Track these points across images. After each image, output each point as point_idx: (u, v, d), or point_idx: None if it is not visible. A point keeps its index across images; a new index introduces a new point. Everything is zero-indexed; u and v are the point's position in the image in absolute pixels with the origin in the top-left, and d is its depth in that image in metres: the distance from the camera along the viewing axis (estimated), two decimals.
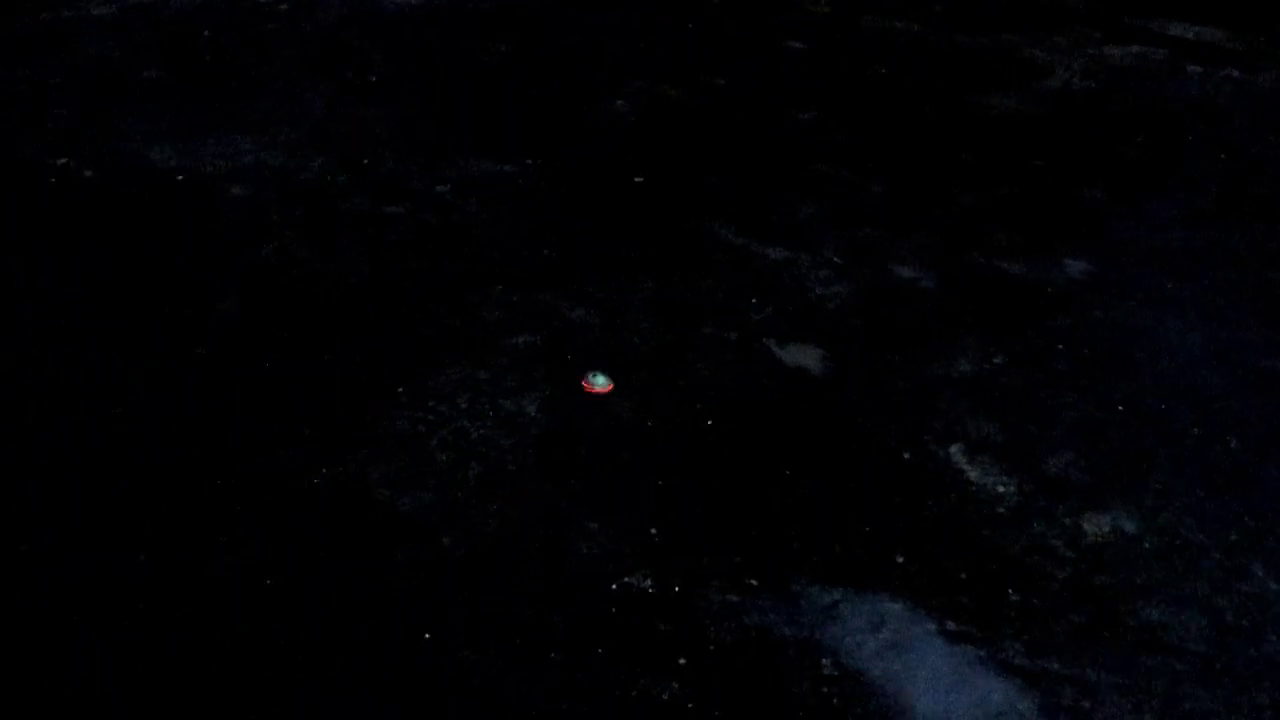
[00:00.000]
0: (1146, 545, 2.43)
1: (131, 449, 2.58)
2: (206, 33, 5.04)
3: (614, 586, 2.29)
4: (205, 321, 3.03)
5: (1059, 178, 4.13)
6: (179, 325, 3.00)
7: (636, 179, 3.98)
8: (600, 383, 2.83)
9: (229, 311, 3.08)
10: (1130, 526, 2.48)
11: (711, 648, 2.15)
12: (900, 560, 2.37)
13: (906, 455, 2.67)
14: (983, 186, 4.03)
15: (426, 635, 2.14)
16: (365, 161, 3.98)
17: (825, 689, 2.08)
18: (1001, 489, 2.57)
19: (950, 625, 2.22)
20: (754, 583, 2.29)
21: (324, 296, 3.18)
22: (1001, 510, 2.51)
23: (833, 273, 3.42)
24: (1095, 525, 2.48)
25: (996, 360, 3.03)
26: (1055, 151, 4.35)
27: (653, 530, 2.42)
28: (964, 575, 2.33)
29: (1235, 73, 5.21)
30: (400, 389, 2.79)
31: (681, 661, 2.12)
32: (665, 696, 2.05)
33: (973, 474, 2.62)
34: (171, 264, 3.32)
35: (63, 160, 3.86)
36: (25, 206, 3.63)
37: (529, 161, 4.09)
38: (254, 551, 2.31)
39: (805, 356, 3.03)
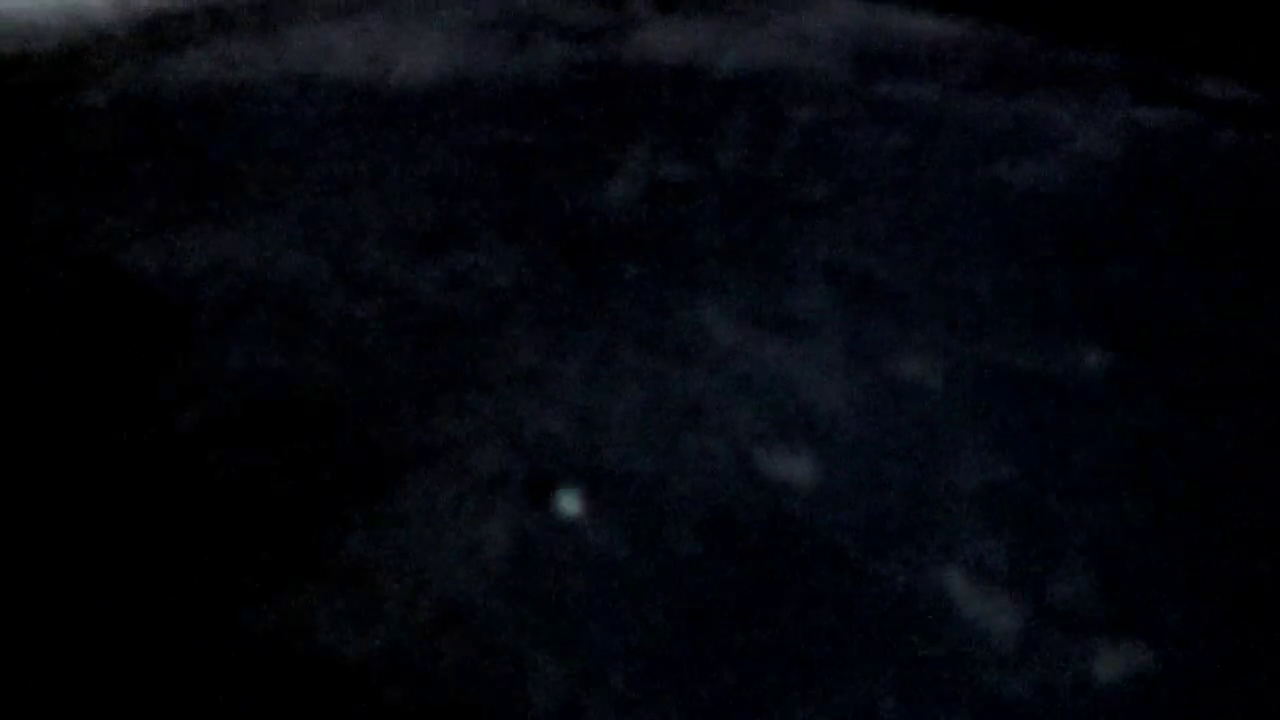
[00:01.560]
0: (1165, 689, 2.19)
1: (58, 573, 2.42)
2: (190, 123, 4.95)
3: None
4: (161, 441, 2.88)
5: (1079, 256, 3.90)
6: (132, 447, 2.85)
7: (630, 270, 3.81)
8: (570, 504, 2.64)
9: (186, 430, 2.92)
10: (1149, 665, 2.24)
11: None
12: (890, 707, 2.14)
13: (901, 579, 2.45)
14: (995, 267, 3.81)
15: None
16: (346, 257, 3.84)
17: None
18: (1006, 621, 2.34)
19: None
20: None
21: (289, 409, 3.02)
22: (1003, 646, 2.28)
23: (829, 371, 3.22)
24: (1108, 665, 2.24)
25: (1003, 470, 2.80)
26: (1075, 226, 4.12)
27: (619, 679, 2.21)
28: None
29: (1270, 136, 4.97)
30: (355, 514, 2.62)
31: None
32: None
33: (972, 605, 2.39)
34: (135, 376, 3.18)
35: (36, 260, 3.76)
36: None
37: (513, 251, 3.93)
38: (179, 708, 2.13)
39: (796, 467, 2.82)
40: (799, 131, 5.04)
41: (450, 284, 3.67)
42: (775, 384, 3.16)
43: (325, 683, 2.20)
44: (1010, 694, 2.17)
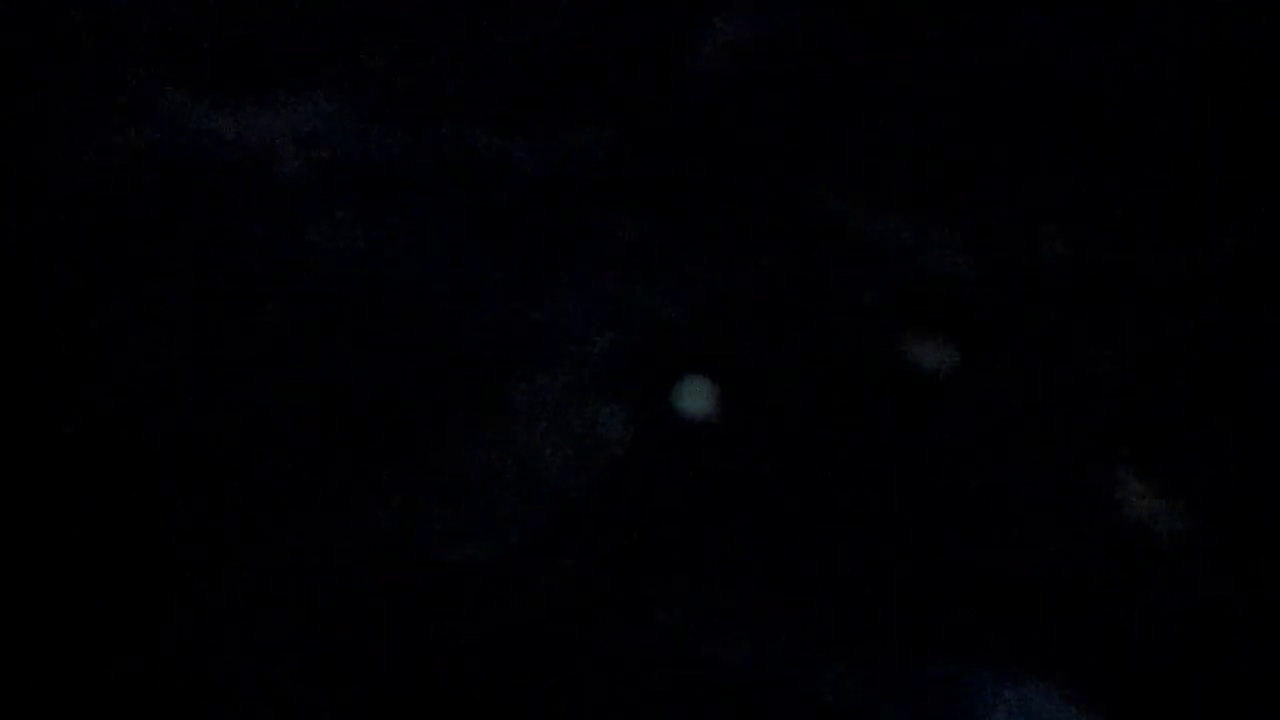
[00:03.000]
0: None
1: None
2: None
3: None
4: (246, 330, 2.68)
5: None
6: (217, 335, 2.66)
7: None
8: (696, 398, 2.41)
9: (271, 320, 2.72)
10: None
11: None
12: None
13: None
14: None
15: None
16: (429, 129, 3.58)
17: None
18: None
19: None
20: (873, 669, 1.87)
21: (378, 296, 2.80)
22: None
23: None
24: None
25: None
26: None
27: (761, 601, 2.01)
28: None
29: None
30: (460, 412, 2.41)
31: None
32: None
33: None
34: (213, 258, 2.97)
35: None
36: None
37: (608, 123, 3.65)
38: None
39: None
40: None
41: (543, 158, 3.41)
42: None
43: (441, 592, 2.02)
44: None
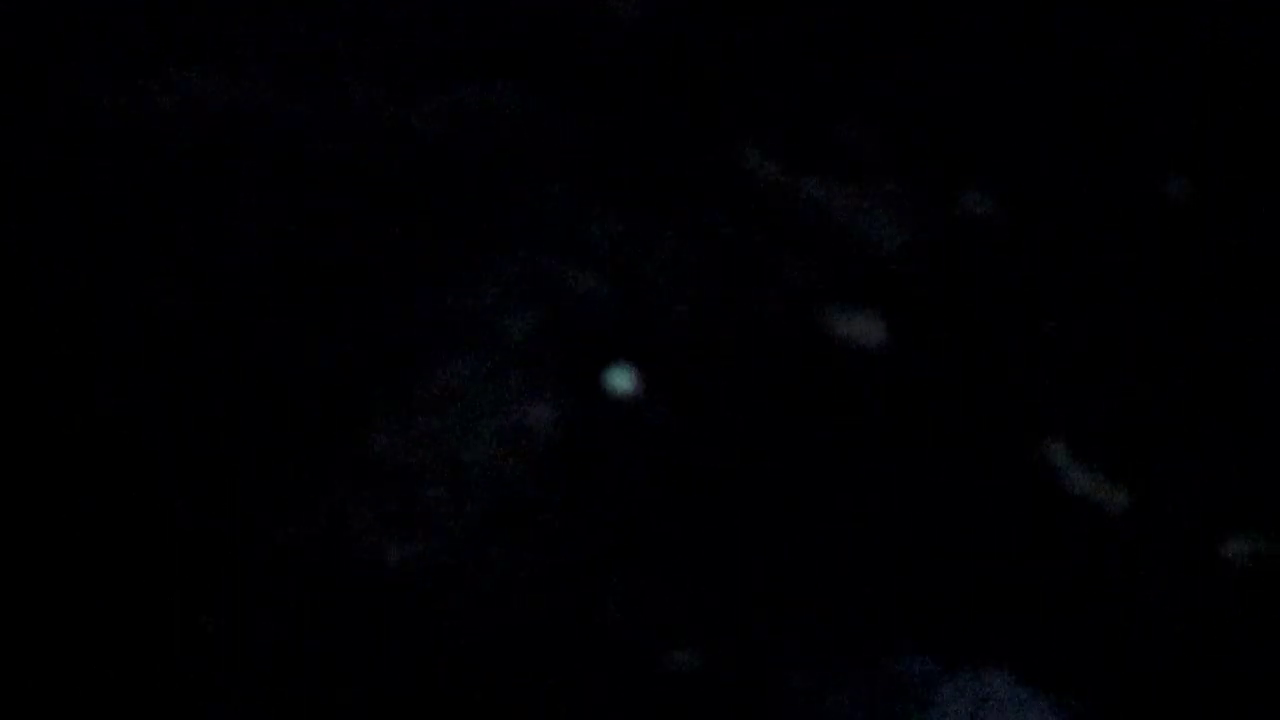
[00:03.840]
0: None
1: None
2: None
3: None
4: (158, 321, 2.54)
5: None
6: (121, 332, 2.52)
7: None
8: (622, 381, 2.35)
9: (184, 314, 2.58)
10: None
11: None
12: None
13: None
14: None
15: None
16: (335, 96, 3.43)
17: None
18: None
19: None
20: (826, 665, 1.85)
21: (291, 276, 2.68)
22: None
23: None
24: None
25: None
26: None
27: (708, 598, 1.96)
28: None
29: None
30: (380, 401, 2.32)
31: None
32: None
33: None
34: (121, 240, 2.81)
35: None
36: None
37: (520, 85, 3.53)
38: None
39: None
40: None
41: (454, 124, 3.29)
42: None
43: (377, 595, 1.95)
44: None
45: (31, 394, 2.27)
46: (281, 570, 1.90)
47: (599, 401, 2.33)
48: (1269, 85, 3.60)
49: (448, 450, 2.20)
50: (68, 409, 2.22)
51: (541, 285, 2.64)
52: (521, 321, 2.53)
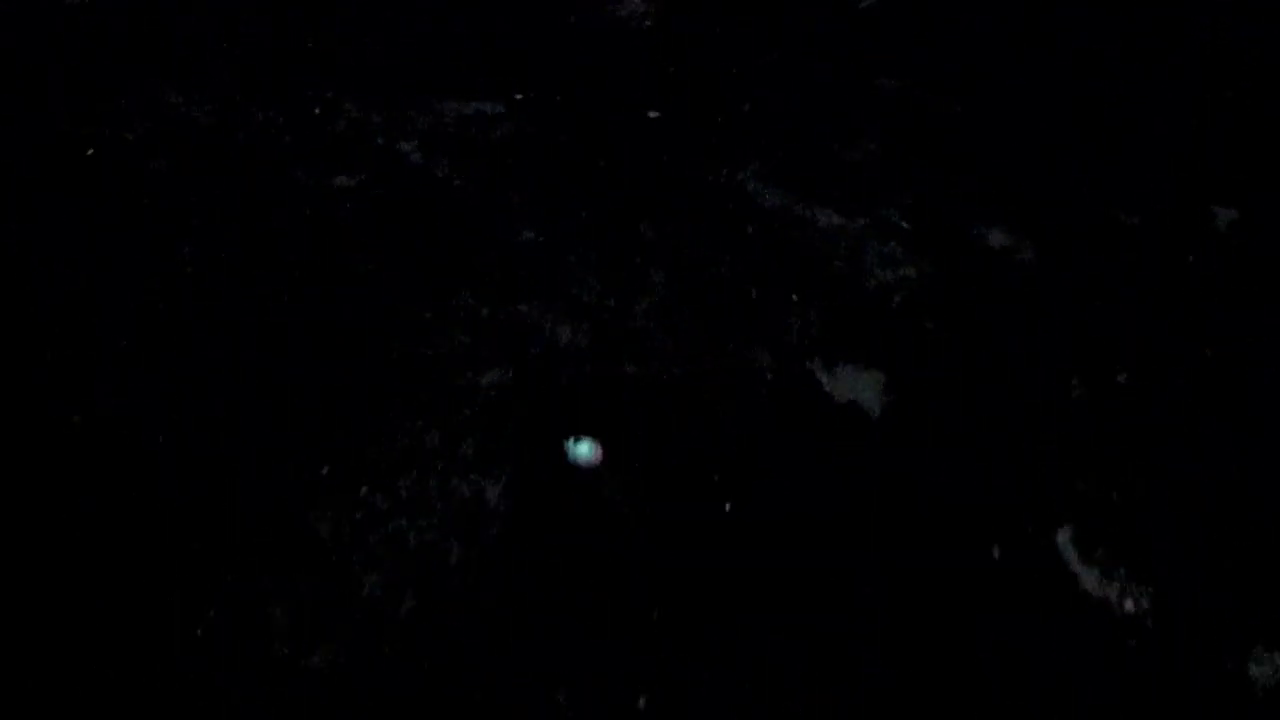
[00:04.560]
0: None
1: None
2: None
3: None
4: (89, 363, 2.37)
5: None
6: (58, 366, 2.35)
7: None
8: (584, 452, 2.14)
9: (121, 351, 2.41)
10: None
11: None
12: None
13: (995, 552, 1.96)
14: None
15: None
16: (316, 110, 3.24)
17: None
18: None
19: None
20: None
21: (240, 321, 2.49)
22: None
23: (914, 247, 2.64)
24: None
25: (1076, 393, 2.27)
26: None
27: (640, 700, 1.76)
28: None
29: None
30: (324, 469, 2.13)
31: None
32: None
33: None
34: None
35: None
36: None
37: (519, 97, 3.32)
38: None
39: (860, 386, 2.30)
40: None
41: (435, 143, 3.09)
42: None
43: (284, 700, 1.76)
44: None
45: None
46: (182, 677, 1.72)
47: (559, 477, 2.12)
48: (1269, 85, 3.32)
49: (396, 533, 2.01)
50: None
51: (513, 335, 2.44)
52: (491, 377, 2.33)
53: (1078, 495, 2.05)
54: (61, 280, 2.57)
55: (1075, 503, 2.04)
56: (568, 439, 2.15)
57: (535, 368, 2.35)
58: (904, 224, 2.76)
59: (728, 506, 2.05)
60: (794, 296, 2.53)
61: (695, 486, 2.09)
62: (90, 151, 3.05)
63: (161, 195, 2.88)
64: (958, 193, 2.92)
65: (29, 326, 2.44)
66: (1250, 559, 1.97)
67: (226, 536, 1.97)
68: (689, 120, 3.27)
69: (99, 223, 2.77)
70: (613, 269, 2.64)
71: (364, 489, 2.08)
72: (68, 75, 3.46)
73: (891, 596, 1.88)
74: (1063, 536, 1.99)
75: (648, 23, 3.95)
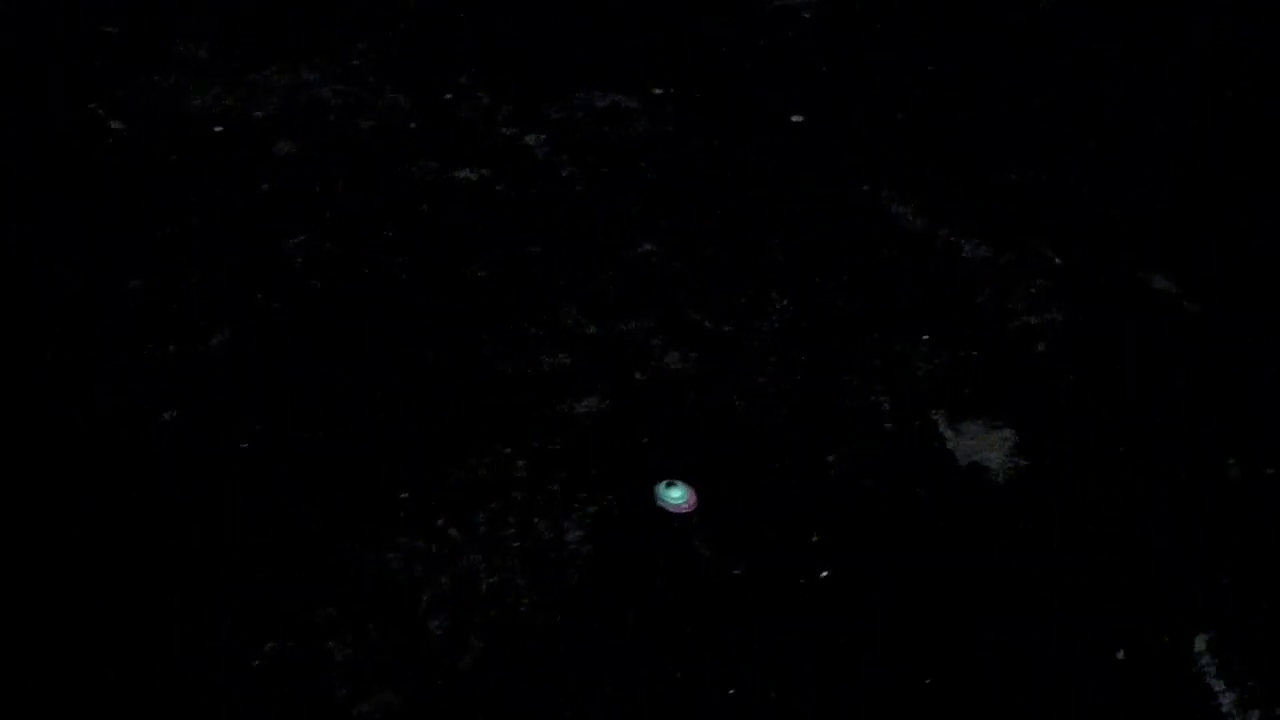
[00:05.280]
0: None
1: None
2: None
3: None
4: (188, 360, 2.32)
5: None
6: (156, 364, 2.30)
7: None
8: (676, 498, 1.99)
9: (217, 351, 2.35)
10: None
11: None
12: None
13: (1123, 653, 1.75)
14: None
15: None
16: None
17: None
18: None
19: None
20: None
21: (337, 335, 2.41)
22: None
23: None
24: None
25: None
26: None
27: None
28: None
29: None
30: (404, 493, 2.03)
31: None
32: None
33: None
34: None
35: None
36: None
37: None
38: None
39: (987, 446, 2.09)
40: None
41: (563, 138, 2.96)
42: None
43: None
44: None
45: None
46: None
47: (647, 523, 1.98)
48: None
49: (465, 574, 1.90)
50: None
51: (618, 357, 2.30)
52: (584, 402, 2.20)
53: (1221, 592, 1.82)
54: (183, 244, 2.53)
55: (1218, 603, 1.80)
56: (660, 483, 2.01)
57: (637, 397, 2.21)
58: (1057, 259, 2.52)
59: (824, 574, 1.88)
60: (925, 336, 2.33)
61: (792, 547, 1.92)
62: (219, 129, 3.02)
63: (282, 177, 2.82)
64: (1118, 229, 2.66)
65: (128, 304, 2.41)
66: None
67: (287, 565, 1.89)
68: (833, 127, 3.06)
69: (200, 202, 2.73)
70: (733, 290, 2.47)
71: (440, 520, 1.98)
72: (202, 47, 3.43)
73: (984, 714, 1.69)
74: (1200, 643, 1.76)
75: (806, 14, 3.73)
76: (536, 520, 1.97)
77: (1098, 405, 2.19)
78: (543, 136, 3.00)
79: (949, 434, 2.12)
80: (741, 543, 1.93)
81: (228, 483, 2.03)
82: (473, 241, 2.62)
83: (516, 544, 1.93)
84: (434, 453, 2.10)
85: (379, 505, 2.00)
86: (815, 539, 1.93)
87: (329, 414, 2.18)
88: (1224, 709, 1.68)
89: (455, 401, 2.21)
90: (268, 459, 2.08)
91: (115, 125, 3.03)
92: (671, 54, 3.45)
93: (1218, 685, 1.71)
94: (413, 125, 3.05)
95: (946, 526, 1.95)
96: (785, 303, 2.44)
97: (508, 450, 2.10)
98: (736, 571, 1.89)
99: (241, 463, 2.08)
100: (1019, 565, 1.89)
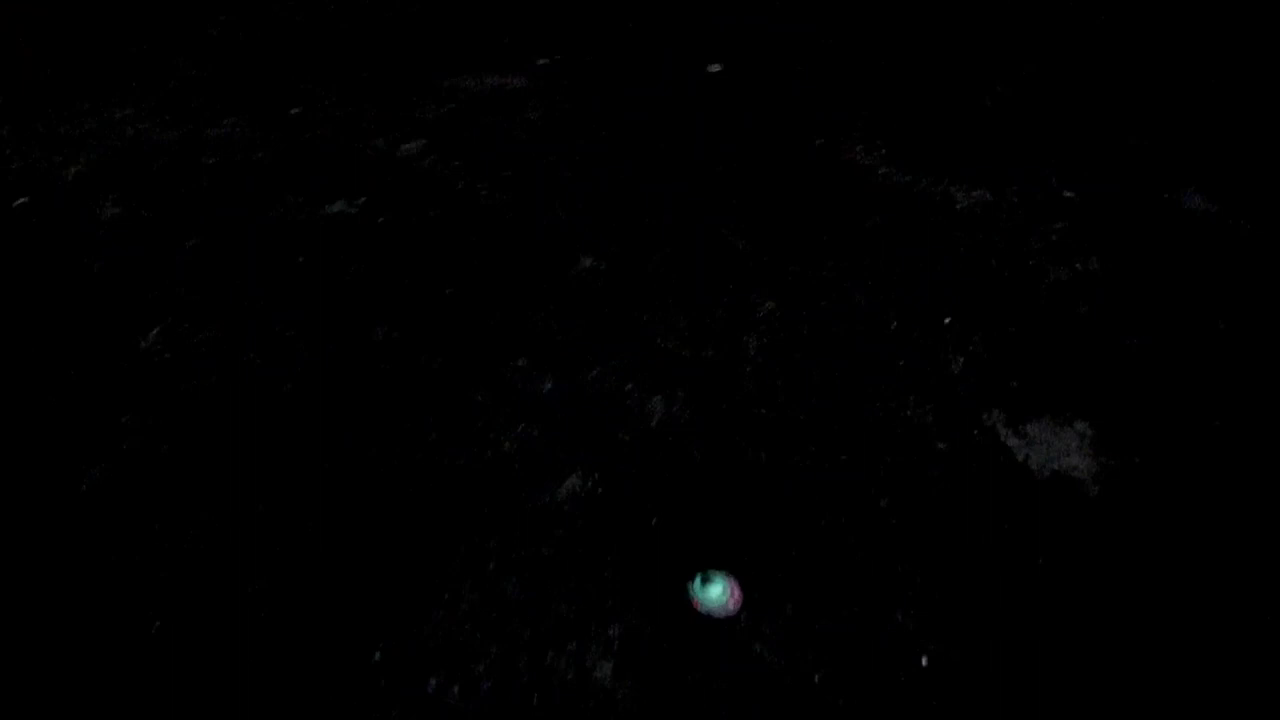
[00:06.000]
0: None
1: None
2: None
3: None
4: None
5: None
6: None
7: None
8: (716, 597, 1.57)
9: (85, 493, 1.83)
10: None
11: None
12: None
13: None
14: None
15: None
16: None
17: None
18: None
19: None
20: None
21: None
22: None
23: None
24: None
25: None
26: None
27: None
28: None
29: None
30: (375, 654, 1.57)
31: None
32: None
33: None
34: None
35: None
36: None
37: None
38: None
39: (1069, 453, 1.72)
40: None
41: (445, 138, 2.46)
42: None
43: None
44: None
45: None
46: None
47: (689, 635, 1.57)
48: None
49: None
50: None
51: (590, 416, 1.86)
52: (568, 481, 1.76)
53: None
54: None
55: None
56: (692, 579, 1.59)
57: (628, 466, 1.78)
58: (1066, 193, 2.14)
59: (924, 661, 1.49)
60: (946, 320, 1.94)
61: (873, 630, 1.53)
62: (21, 200, 2.44)
63: (114, 250, 2.28)
64: (1127, 141, 2.30)
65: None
66: None
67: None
68: (760, 73, 2.63)
69: (10, 300, 2.18)
70: (704, 302, 2.04)
71: (433, 681, 1.53)
72: None
73: None
74: None
75: None
76: (552, 658, 1.54)
77: (1175, 373, 1.83)
78: (422, 142, 2.50)
79: (1014, 441, 1.74)
80: (811, 638, 1.53)
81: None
82: (369, 294, 2.14)
83: (537, 695, 1.50)
84: (396, 600, 1.64)
85: (350, 675, 1.55)
86: (899, 617, 1.55)
87: (214, 584, 1.70)
88: None
89: (400, 520, 1.74)
90: None
91: None
92: (545, 21, 2.97)
93: None
94: (260, 155, 2.52)
95: (1051, 567, 1.58)
96: (770, 305, 2.02)
97: (491, 567, 1.66)
98: (817, 678, 1.49)
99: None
100: (1137, 619, 1.53)
